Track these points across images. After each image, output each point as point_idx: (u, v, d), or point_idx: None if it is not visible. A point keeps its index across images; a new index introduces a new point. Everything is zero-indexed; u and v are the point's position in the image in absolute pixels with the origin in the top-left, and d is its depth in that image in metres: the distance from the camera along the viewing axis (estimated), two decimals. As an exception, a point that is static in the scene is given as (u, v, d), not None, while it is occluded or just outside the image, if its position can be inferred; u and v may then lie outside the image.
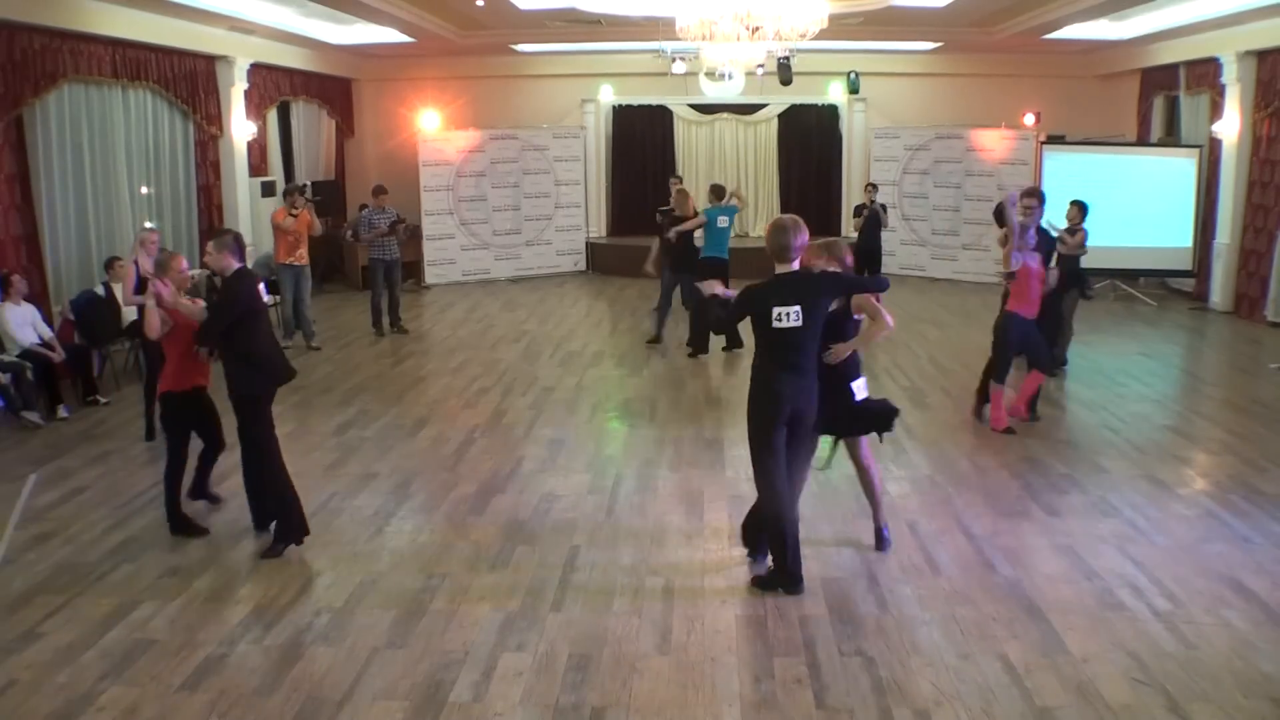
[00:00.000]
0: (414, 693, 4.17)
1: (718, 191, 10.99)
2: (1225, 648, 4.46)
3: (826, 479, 6.41)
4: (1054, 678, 4.23)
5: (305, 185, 11.46)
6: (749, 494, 6.35)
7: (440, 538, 5.80)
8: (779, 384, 4.85)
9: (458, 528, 5.94)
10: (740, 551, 5.48)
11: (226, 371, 5.53)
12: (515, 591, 5.08)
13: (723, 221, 10.57)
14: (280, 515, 5.58)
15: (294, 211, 10.88)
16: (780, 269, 4.89)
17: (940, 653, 4.45)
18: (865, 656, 4.42)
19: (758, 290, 4.88)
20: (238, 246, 5.54)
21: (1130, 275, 14.14)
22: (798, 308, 4.77)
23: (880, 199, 13.87)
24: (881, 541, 5.54)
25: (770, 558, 5.13)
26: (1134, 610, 4.82)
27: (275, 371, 5.63)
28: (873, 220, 13.45)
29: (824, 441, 5.65)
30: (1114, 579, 5.16)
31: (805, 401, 4.92)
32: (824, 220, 15.75)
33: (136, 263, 7.98)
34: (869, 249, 13.22)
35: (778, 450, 4.93)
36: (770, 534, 5.05)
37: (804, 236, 4.91)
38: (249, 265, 13.03)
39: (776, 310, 4.78)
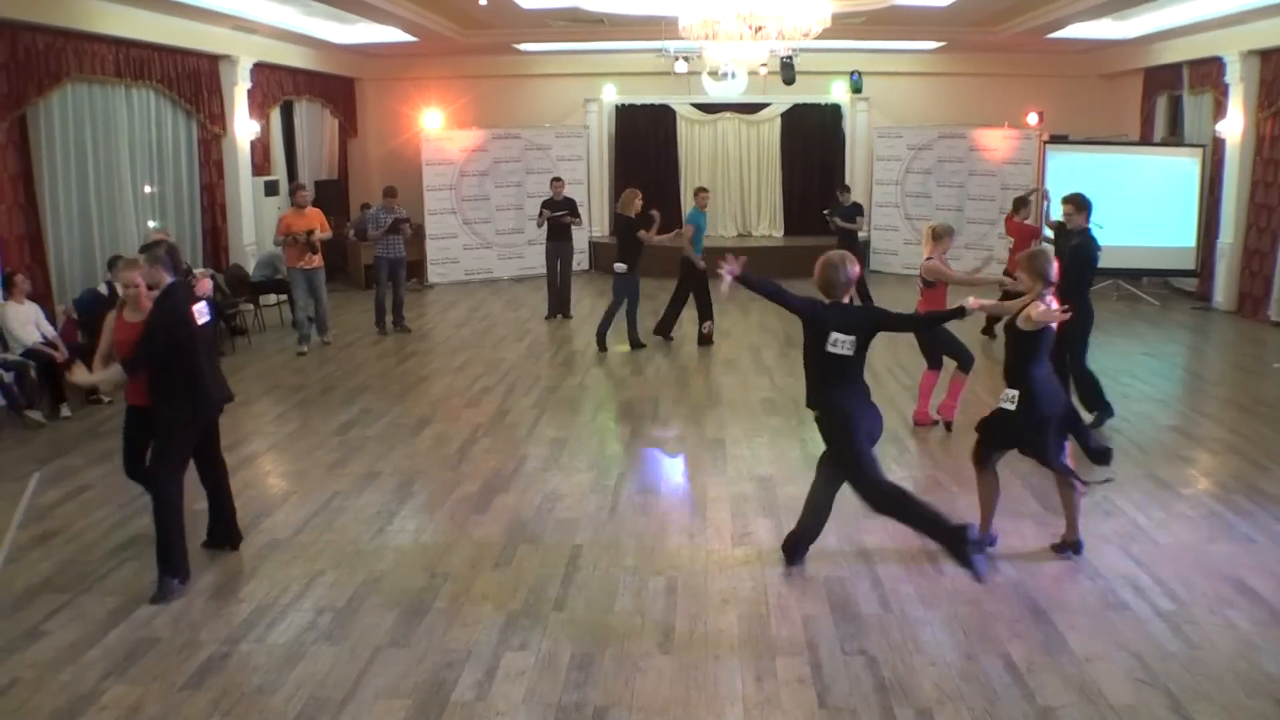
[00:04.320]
0: (416, 692, 4.17)
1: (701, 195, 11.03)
2: (1228, 648, 4.45)
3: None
4: (1056, 677, 4.22)
5: (305, 185, 11.44)
6: (751, 493, 6.39)
7: (443, 537, 5.80)
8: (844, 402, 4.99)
9: (460, 527, 5.95)
10: (741, 551, 5.48)
11: (159, 392, 5.09)
12: (518, 590, 5.08)
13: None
14: (160, 549, 5.08)
15: (299, 238, 10.58)
16: (830, 302, 5.01)
17: (943, 652, 4.45)
18: (868, 656, 4.42)
19: (818, 310, 4.98)
20: (170, 260, 5.20)
21: (1133, 275, 14.11)
22: (852, 338, 4.90)
23: (854, 198, 13.88)
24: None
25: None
26: (1137, 610, 4.82)
27: (204, 401, 5.22)
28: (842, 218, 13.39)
29: None
30: (1117, 579, 5.15)
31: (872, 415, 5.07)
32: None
33: None
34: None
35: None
36: (912, 519, 4.91)
37: (855, 270, 5.03)
38: (253, 266, 12.96)
39: (834, 336, 4.90)
